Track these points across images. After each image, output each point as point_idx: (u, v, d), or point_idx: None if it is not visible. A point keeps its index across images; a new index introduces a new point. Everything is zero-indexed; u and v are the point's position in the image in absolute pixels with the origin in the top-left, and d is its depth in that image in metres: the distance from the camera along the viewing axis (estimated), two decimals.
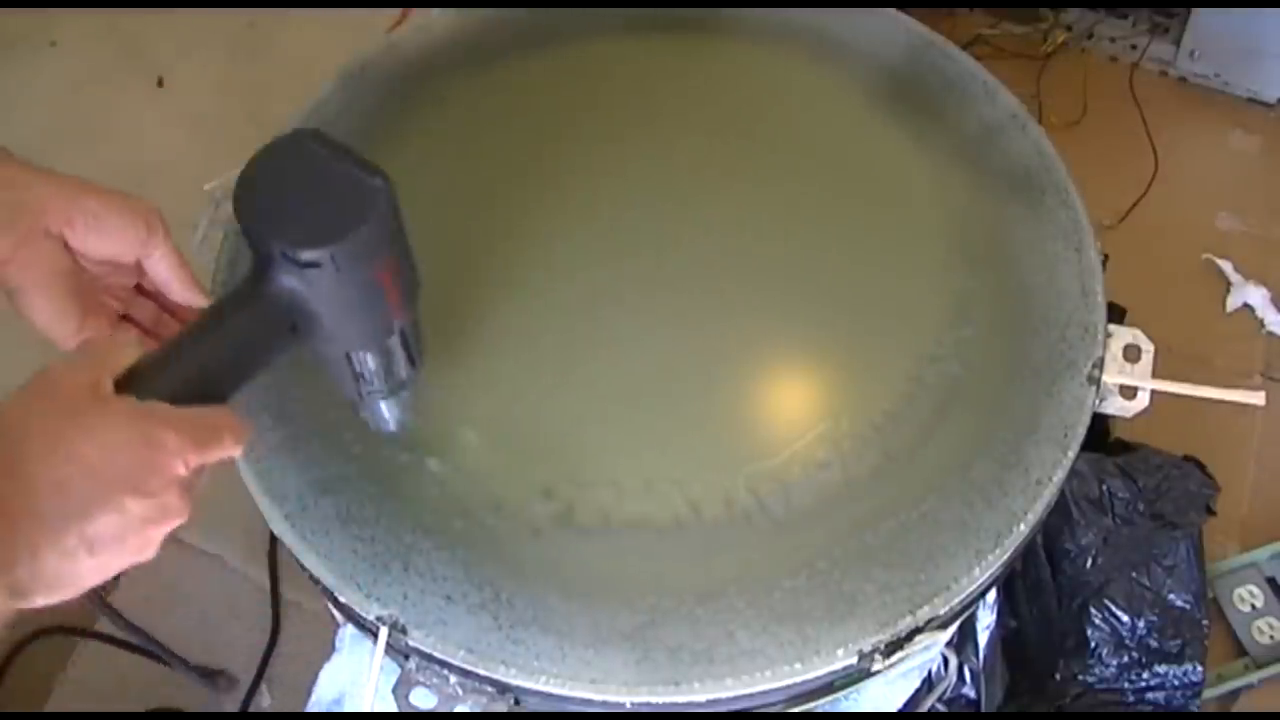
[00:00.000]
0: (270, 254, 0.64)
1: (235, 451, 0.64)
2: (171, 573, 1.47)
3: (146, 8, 1.98)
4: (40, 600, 0.58)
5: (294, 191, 0.65)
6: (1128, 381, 0.87)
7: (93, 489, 0.58)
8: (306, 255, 0.63)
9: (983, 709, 1.11)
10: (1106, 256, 0.93)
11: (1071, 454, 0.82)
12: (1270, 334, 1.59)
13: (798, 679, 0.74)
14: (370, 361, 0.73)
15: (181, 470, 0.60)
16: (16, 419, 0.59)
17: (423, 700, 0.78)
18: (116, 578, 1.44)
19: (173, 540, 1.54)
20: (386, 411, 0.80)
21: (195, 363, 0.65)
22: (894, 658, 0.76)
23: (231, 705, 1.40)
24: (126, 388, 0.61)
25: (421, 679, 0.78)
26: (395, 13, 1.89)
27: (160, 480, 0.60)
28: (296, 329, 0.67)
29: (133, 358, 0.63)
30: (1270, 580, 1.37)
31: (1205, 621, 1.26)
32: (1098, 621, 1.22)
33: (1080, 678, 1.22)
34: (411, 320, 0.73)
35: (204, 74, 1.93)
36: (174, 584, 1.47)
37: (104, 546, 0.59)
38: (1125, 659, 1.23)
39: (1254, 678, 1.32)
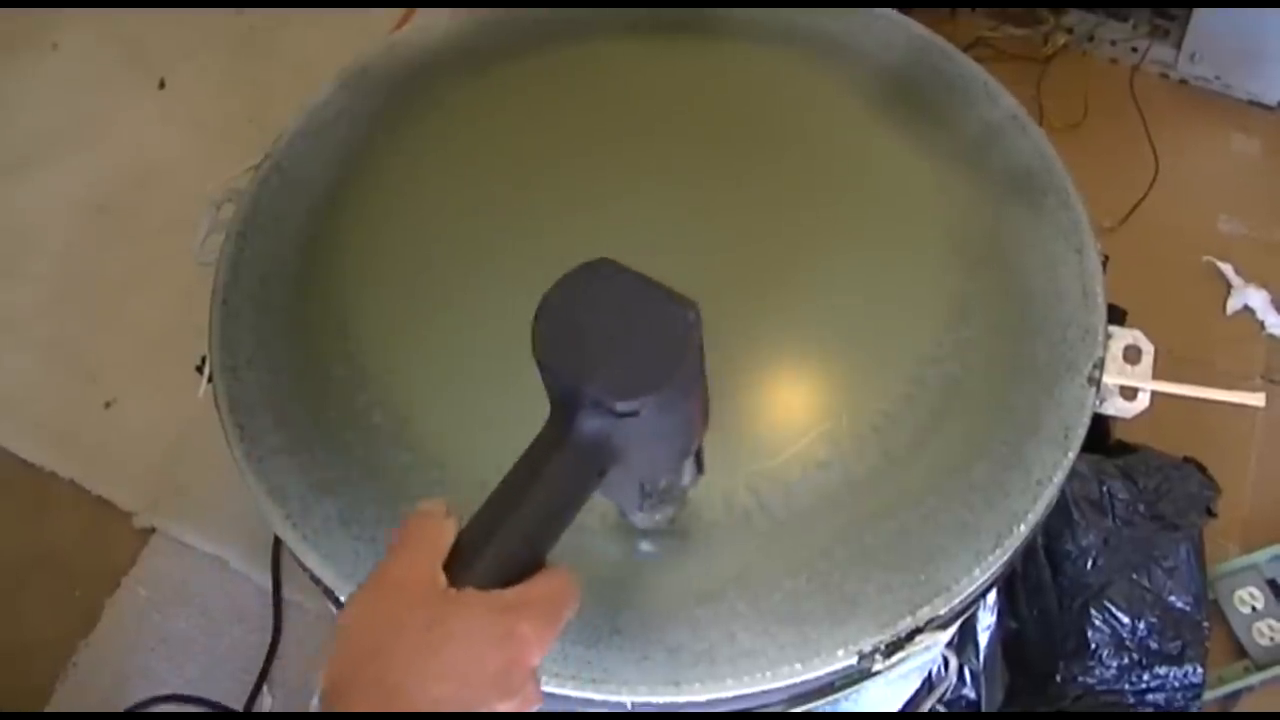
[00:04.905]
0: (578, 400, 0.59)
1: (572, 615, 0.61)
2: (175, 575, 1.47)
3: (148, 8, 1.98)
4: None
5: (600, 329, 0.59)
6: (1128, 383, 0.87)
7: (468, 700, 0.56)
8: (624, 406, 0.58)
9: (983, 709, 1.11)
10: (1107, 258, 0.93)
11: (1072, 455, 0.82)
12: (1271, 336, 1.59)
13: (798, 679, 0.74)
14: (662, 481, 0.70)
15: (537, 660, 0.58)
16: (373, 630, 0.57)
17: None
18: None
19: (175, 542, 1.54)
20: (662, 514, 0.74)
21: (518, 532, 0.60)
22: (894, 658, 0.76)
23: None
24: (457, 572, 0.58)
25: None
26: (397, 14, 1.89)
27: (522, 675, 0.57)
28: (603, 473, 0.63)
29: (453, 533, 0.60)
30: (1271, 582, 1.37)
31: (1205, 623, 1.26)
32: (1098, 623, 1.22)
33: (1081, 679, 1.22)
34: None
35: (205, 76, 1.94)
36: (178, 586, 1.47)
37: None
38: (1126, 660, 1.23)
39: (1254, 679, 1.32)
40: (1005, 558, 0.79)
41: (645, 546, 0.79)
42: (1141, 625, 1.23)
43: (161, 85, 1.93)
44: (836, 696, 0.80)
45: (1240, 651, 1.35)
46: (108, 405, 1.60)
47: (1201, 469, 1.35)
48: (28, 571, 1.49)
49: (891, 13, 1.07)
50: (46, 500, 1.54)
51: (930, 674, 1.00)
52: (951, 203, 0.94)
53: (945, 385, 0.85)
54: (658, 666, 0.74)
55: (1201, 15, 1.73)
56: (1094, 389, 0.85)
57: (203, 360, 0.90)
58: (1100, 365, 0.86)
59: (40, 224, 1.78)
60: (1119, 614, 1.22)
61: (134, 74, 1.94)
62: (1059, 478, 0.82)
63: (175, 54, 1.96)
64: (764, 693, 0.75)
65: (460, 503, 0.81)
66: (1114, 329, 0.88)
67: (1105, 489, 1.27)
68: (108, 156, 1.85)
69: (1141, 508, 1.27)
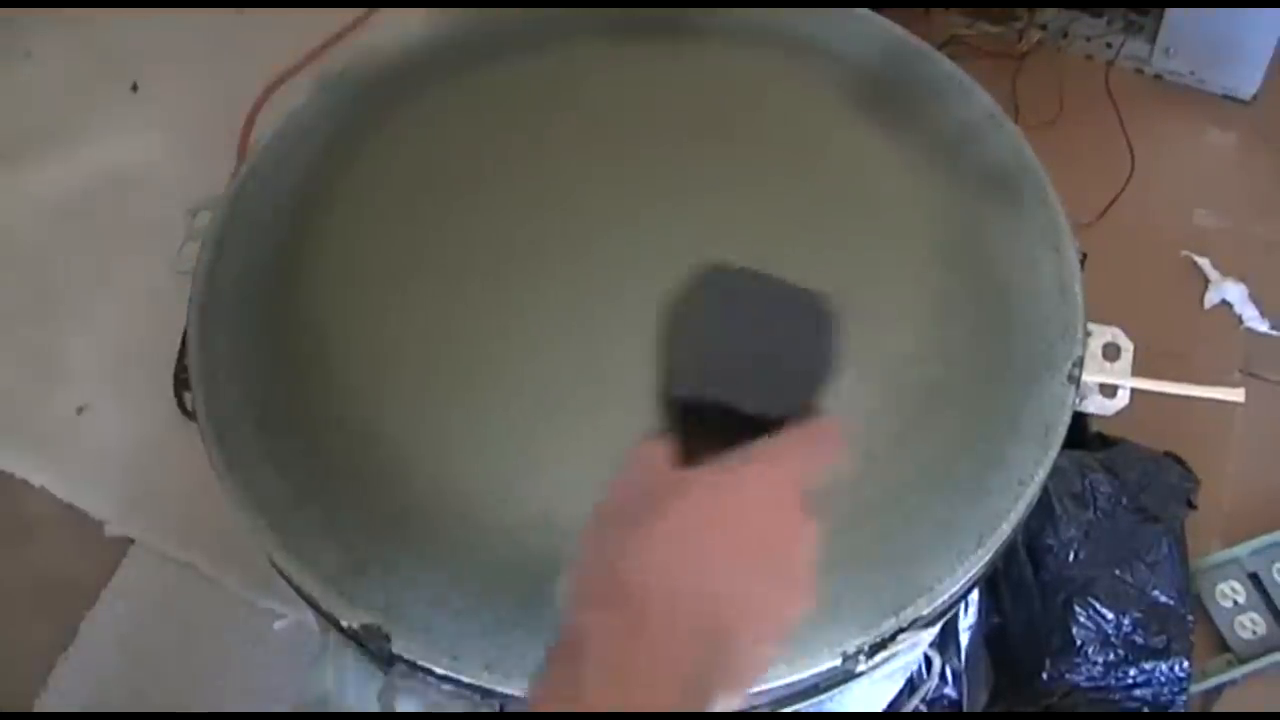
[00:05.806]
0: (710, 416, 0.55)
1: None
2: (153, 585, 1.46)
3: (122, 7, 1.97)
4: None
5: (734, 337, 0.56)
6: (1108, 380, 0.87)
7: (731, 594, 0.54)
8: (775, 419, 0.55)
9: (964, 709, 1.11)
10: (1085, 256, 0.93)
11: (1053, 453, 0.82)
12: (1249, 330, 1.59)
13: (783, 681, 0.74)
14: None
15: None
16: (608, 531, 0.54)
17: (408, 705, 0.77)
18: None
19: (153, 552, 1.52)
20: None
21: None
22: (877, 658, 0.76)
23: None
24: None
25: (407, 684, 0.77)
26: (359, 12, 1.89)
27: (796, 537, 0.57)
28: None
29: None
30: (1252, 575, 1.37)
31: (1190, 616, 1.26)
32: (1082, 619, 1.22)
33: (1068, 676, 1.22)
34: None
35: (182, 81, 1.92)
36: (156, 597, 1.46)
37: None
38: (1112, 656, 1.23)
39: (1237, 673, 1.32)
40: (988, 557, 0.79)
41: None
42: (1126, 620, 1.23)
43: (134, 89, 1.92)
44: (820, 698, 0.80)
45: (1222, 645, 1.35)
46: (80, 411, 1.58)
47: (1180, 462, 1.35)
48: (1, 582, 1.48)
49: (866, 12, 1.07)
50: (17, 508, 1.52)
51: (913, 675, 1.00)
52: (929, 202, 0.94)
53: (925, 384, 0.85)
54: None
55: (1175, 11, 1.73)
56: (1074, 387, 0.85)
57: (180, 367, 0.90)
58: (1080, 363, 0.86)
59: (11, 229, 1.77)
60: (1103, 609, 1.22)
61: (109, 80, 1.93)
62: (1040, 476, 0.82)
63: (151, 59, 1.94)
64: (749, 695, 0.74)
65: (445, 510, 0.81)
66: (1093, 326, 0.89)
67: (1087, 482, 1.27)
68: (84, 162, 1.84)
69: (1124, 500, 1.27)
